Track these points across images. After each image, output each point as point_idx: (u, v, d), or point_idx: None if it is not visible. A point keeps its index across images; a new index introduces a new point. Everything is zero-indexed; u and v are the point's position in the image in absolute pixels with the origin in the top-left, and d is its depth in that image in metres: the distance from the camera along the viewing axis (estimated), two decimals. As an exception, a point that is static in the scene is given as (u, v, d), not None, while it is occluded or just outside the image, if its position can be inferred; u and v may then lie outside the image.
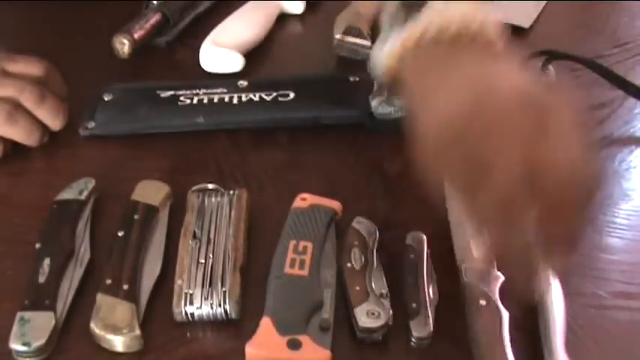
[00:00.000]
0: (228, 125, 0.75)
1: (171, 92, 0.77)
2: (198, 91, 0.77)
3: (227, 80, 0.79)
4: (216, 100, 0.76)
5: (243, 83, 0.78)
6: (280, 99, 0.76)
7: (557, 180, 0.49)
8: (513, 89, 0.52)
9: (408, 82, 0.60)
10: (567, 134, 0.50)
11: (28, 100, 0.70)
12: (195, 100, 0.76)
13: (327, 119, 0.75)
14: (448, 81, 0.55)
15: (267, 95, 0.77)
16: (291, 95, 0.77)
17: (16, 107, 0.69)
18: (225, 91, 0.77)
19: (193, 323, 0.59)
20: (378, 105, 0.74)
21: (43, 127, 0.72)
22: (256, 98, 0.76)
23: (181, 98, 0.77)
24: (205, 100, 0.76)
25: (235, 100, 0.76)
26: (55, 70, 0.73)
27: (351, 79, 0.79)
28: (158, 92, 0.77)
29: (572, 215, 0.51)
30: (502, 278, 0.60)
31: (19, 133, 0.70)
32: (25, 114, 0.70)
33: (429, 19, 0.59)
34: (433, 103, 0.55)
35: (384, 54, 0.63)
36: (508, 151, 0.49)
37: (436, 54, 0.59)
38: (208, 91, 0.77)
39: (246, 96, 0.77)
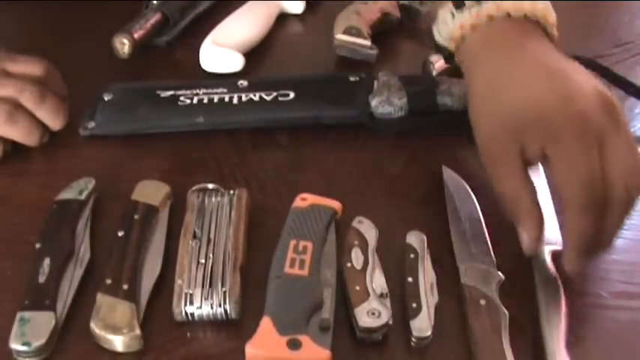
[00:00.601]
0: (228, 125, 0.75)
1: (171, 92, 0.77)
2: (198, 91, 0.77)
3: (227, 80, 0.79)
4: (216, 100, 0.76)
5: (243, 83, 0.78)
6: (280, 99, 0.76)
7: (622, 181, 0.53)
8: (594, 89, 0.55)
9: (472, 64, 0.61)
10: (631, 139, 0.55)
11: (28, 100, 0.70)
12: (195, 100, 0.76)
13: (327, 119, 0.75)
14: (521, 68, 0.56)
15: (267, 95, 0.76)
16: (291, 95, 0.76)
17: (16, 107, 0.69)
18: (225, 90, 0.77)
19: (193, 323, 0.59)
20: (378, 105, 0.74)
21: (43, 127, 0.71)
22: (256, 98, 0.76)
23: (181, 98, 0.76)
24: (205, 100, 0.76)
25: (235, 100, 0.76)
26: (55, 70, 0.73)
27: (351, 79, 0.79)
28: (158, 92, 0.77)
29: (623, 216, 0.55)
30: (502, 278, 0.60)
31: (19, 133, 0.70)
32: (25, 114, 0.70)
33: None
34: (506, 88, 0.56)
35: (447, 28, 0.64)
36: (586, 147, 0.53)
37: (501, 36, 0.60)
38: (208, 90, 0.77)
39: (246, 96, 0.76)
